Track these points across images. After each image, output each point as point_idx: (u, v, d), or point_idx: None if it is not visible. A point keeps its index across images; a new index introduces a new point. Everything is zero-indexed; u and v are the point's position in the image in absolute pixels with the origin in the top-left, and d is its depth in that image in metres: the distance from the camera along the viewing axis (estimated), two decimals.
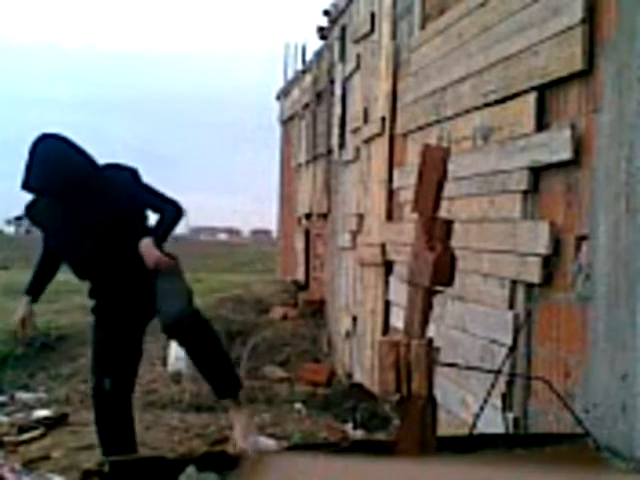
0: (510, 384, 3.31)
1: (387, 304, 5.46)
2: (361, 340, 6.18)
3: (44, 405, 5.49)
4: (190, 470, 2.31)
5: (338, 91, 7.73)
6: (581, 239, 2.87)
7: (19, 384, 6.42)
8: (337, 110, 7.69)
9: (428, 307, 2.05)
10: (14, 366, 6.93)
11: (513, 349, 3.21)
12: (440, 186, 2.05)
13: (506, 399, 3.33)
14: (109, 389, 3.55)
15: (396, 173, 5.31)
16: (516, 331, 3.25)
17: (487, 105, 3.71)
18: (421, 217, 2.07)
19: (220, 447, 4.03)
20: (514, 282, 3.34)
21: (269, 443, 4.19)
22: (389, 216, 5.51)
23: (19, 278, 12.25)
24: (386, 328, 5.47)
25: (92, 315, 3.73)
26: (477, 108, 3.83)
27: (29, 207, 3.62)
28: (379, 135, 5.79)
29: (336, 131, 7.70)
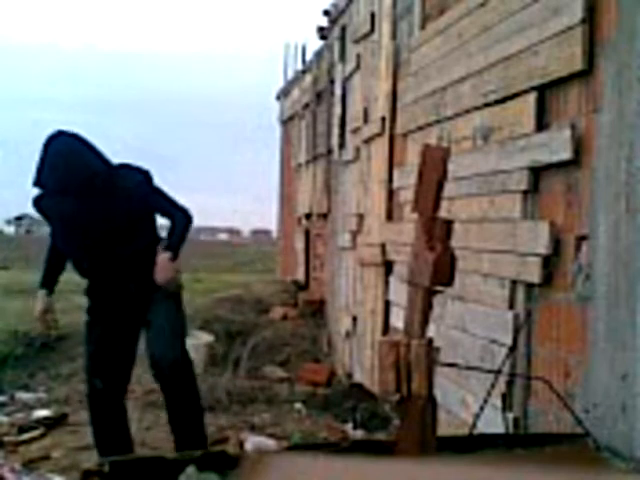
0: (510, 384, 3.31)
1: (387, 304, 5.46)
2: (361, 340, 6.18)
3: (44, 405, 5.48)
4: (190, 470, 2.31)
5: (338, 91, 7.73)
6: (581, 239, 2.87)
7: (19, 384, 6.42)
8: (337, 110, 7.69)
9: (428, 307, 2.05)
10: (14, 366, 6.92)
11: (513, 349, 3.21)
12: (440, 186, 2.05)
13: (506, 399, 3.33)
14: (103, 389, 3.55)
15: (396, 173, 5.31)
16: (516, 331, 3.25)
17: (487, 105, 3.71)
18: (421, 217, 2.07)
19: (220, 447, 4.03)
20: (514, 282, 3.34)
21: (269, 443, 4.20)
22: (389, 216, 5.51)
23: (19, 278, 12.26)
24: (386, 328, 5.47)
25: (87, 315, 3.69)
26: (477, 108, 3.83)
27: (37, 199, 3.56)
28: (379, 135, 5.79)
29: (336, 131, 7.70)
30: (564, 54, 2.97)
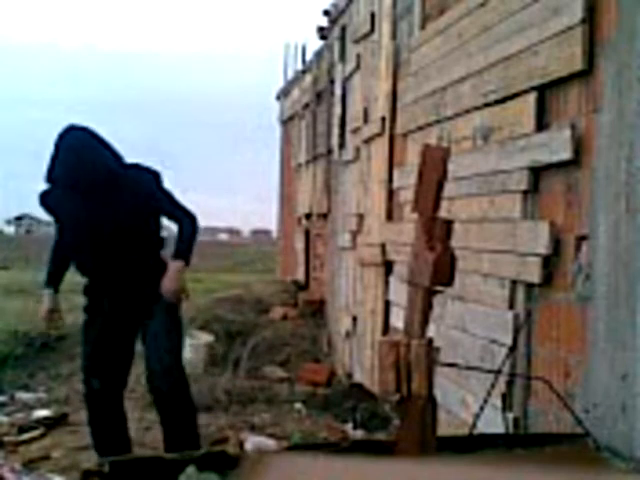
0: (510, 384, 3.31)
1: (387, 304, 5.46)
2: (361, 340, 6.18)
3: (44, 405, 5.49)
4: (190, 470, 2.31)
5: (338, 91, 7.73)
6: (581, 239, 2.87)
7: (19, 384, 6.42)
8: (337, 110, 7.69)
9: (428, 307, 2.05)
10: (14, 366, 6.92)
11: (513, 349, 3.21)
12: (440, 186, 2.05)
13: (506, 399, 3.33)
14: (100, 389, 3.54)
15: (396, 173, 5.31)
16: (516, 331, 3.25)
17: (487, 105, 3.71)
18: (421, 217, 2.07)
19: (220, 447, 4.03)
20: (514, 282, 3.34)
21: (269, 443, 4.20)
22: (389, 216, 5.51)
23: (19, 278, 12.26)
24: (386, 328, 5.47)
25: (84, 314, 3.67)
26: (477, 108, 3.83)
27: (44, 195, 3.53)
28: (379, 135, 5.79)
29: (336, 131, 7.70)
30: (564, 54, 2.97)
